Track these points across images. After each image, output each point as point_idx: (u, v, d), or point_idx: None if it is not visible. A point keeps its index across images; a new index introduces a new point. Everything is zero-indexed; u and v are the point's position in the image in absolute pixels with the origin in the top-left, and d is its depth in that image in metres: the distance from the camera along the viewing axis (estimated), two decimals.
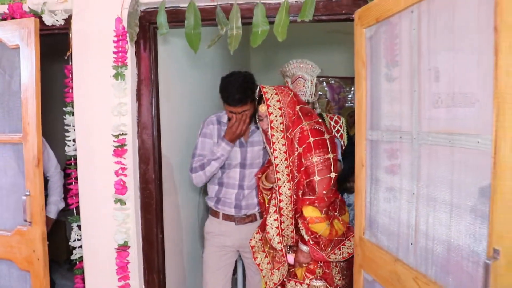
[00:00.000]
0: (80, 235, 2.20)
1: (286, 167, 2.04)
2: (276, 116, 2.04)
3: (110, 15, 2.01)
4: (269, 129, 2.04)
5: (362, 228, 1.83)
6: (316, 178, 1.99)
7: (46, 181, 2.36)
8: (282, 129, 2.05)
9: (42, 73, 1.98)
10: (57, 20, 2.09)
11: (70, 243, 2.23)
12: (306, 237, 1.98)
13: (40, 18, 2.06)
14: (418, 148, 1.41)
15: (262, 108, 2.10)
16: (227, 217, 2.35)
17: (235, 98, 2.12)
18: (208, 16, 1.96)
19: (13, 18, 2.06)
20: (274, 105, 2.05)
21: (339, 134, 2.33)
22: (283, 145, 2.04)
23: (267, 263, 2.16)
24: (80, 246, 2.21)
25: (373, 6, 1.69)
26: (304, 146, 2.02)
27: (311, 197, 2.01)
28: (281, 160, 2.04)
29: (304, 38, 4.34)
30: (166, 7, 1.97)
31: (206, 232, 2.43)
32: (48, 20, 2.08)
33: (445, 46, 1.27)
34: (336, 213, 2.09)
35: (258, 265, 2.18)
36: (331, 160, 2.02)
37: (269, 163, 2.27)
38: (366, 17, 1.74)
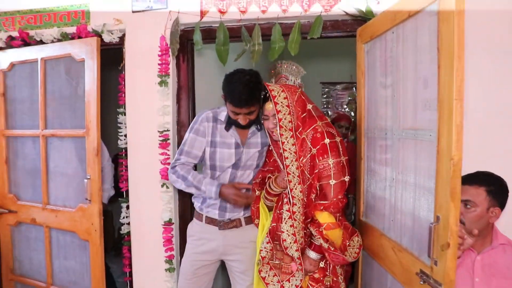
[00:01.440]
0: (129, 214, 2.62)
1: (297, 168, 1.92)
2: (284, 114, 1.92)
3: (155, 34, 2.42)
4: (278, 128, 1.92)
5: (361, 212, 2.16)
6: (332, 182, 1.88)
7: None
8: (290, 128, 1.93)
9: (101, 80, 2.40)
10: (114, 38, 2.52)
11: (120, 220, 2.64)
12: (326, 245, 1.85)
13: (100, 36, 2.50)
14: (396, 141, 1.74)
15: (269, 106, 1.96)
16: (210, 221, 2.19)
17: (242, 99, 1.93)
18: (234, 34, 2.34)
19: (79, 37, 2.53)
20: (281, 102, 1.93)
21: None
22: (292, 144, 1.93)
23: (273, 276, 2.01)
24: (128, 223, 2.63)
25: (369, 25, 2.04)
26: (318, 147, 1.90)
27: (325, 202, 1.90)
28: (291, 161, 1.93)
29: (336, 47, 4.47)
30: (200, 27, 2.36)
31: (188, 235, 2.30)
32: (107, 38, 2.52)
33: (412, 61, 1.60)
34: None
35: (264, 278, 2.02)
36: (344, 163, 1.93)
37: (270, 165, 2.20)
38: (364, 34, 2.08)
